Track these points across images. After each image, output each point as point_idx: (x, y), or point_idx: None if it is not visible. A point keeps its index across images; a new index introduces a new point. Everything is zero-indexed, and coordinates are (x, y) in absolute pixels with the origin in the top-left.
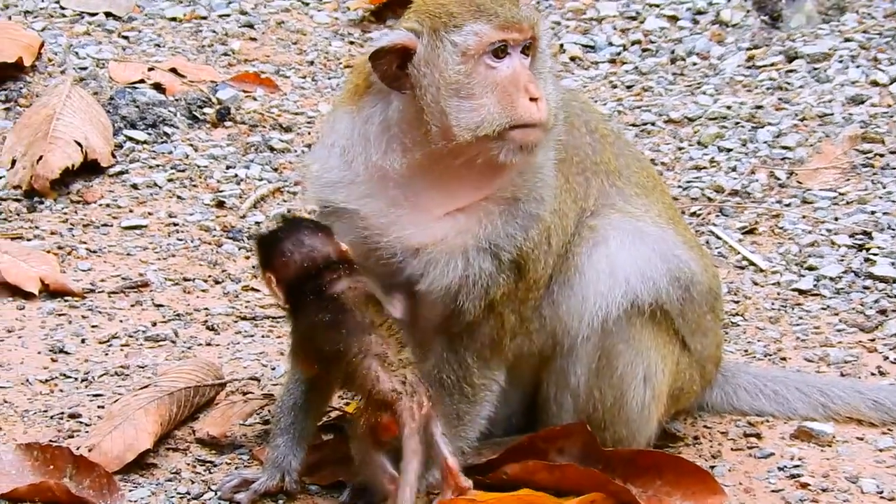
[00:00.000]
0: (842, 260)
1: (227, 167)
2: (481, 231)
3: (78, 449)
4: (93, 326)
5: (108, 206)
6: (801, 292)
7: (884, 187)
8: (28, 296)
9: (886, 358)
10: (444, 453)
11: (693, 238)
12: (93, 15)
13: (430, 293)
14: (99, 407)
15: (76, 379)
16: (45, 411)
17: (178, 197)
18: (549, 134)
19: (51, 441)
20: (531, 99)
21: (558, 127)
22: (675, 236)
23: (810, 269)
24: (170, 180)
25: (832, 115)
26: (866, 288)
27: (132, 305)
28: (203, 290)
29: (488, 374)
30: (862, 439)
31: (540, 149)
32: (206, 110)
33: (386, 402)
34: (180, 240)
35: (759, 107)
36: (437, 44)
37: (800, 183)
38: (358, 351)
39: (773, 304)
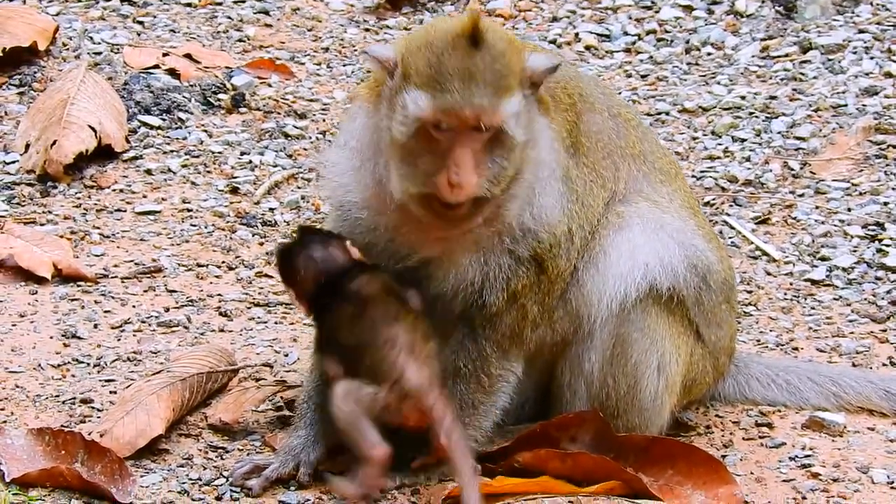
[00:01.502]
0: (854, 251)
1: (242, 153)
2: (485, 241)
3: (90, 434)
4: (105, 312)
5: (121, 191)
6: (814, 283)
7: None
8: (41, 280)
9: None
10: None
11: (711, 230)
12: (108, 0)
13: (454, 290)
14: (111, 392)
15: (88, 364)
16: (57, 396)
17: (192, 183)
18: (482, 203)
19: (62, 426)
20: (450, 183)
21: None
22: (694, 227)
23: (823, 259)
24: (184, 166)
25: (846, 106)
26: (878, 279)
27: (145, 291)
28: (216, 276)
29: (506, 364)
30: (873, 429)
31: (472, 217)
32: (220, 96)
33: (414, 392)
34: (194, 225)
35: (774, 97)
36: (396, 90)
37: (813, 173)
38: (385, 340)
39: (785, 294)
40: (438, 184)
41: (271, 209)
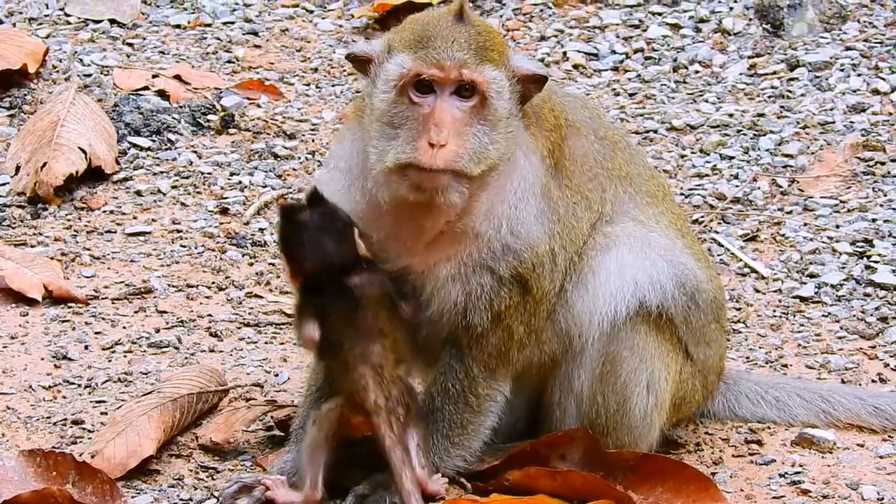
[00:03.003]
0: (843, 267)
1: (231, 174)
2: (465, 256)
3: (81, 455)
4: (96, 333)
5: (111, 212)
6: (803, 299)
7: (885, 195)
8: (31, 302)
9: (887, 365)
10: (416, 463)
11: (701, 250)
12: (97, 22)
13: (439, 310)
14: (102, 413)
15: (79, 385)
16: (49, 417)
17: (182, 204)
18: (460, 180)
19: (54, 447)
20: (430, 144)
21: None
22: (682, 246)
23: (812, 276)
24: (174, 187)
25: (833, 123)
26: (867, 295)
27: (136, 312)
28: (206, 297)
29: (494, 384)
30: (863, 446)
31: (449, 193)
32: (210, 117)
33: (365, 409)
34: (184, 246)
35: (761, 115)
36: (380, 66)
37: (801, 191)
38: (359, 353)
39: (774, 311)
40: (418, 146)
41: (261, 230)
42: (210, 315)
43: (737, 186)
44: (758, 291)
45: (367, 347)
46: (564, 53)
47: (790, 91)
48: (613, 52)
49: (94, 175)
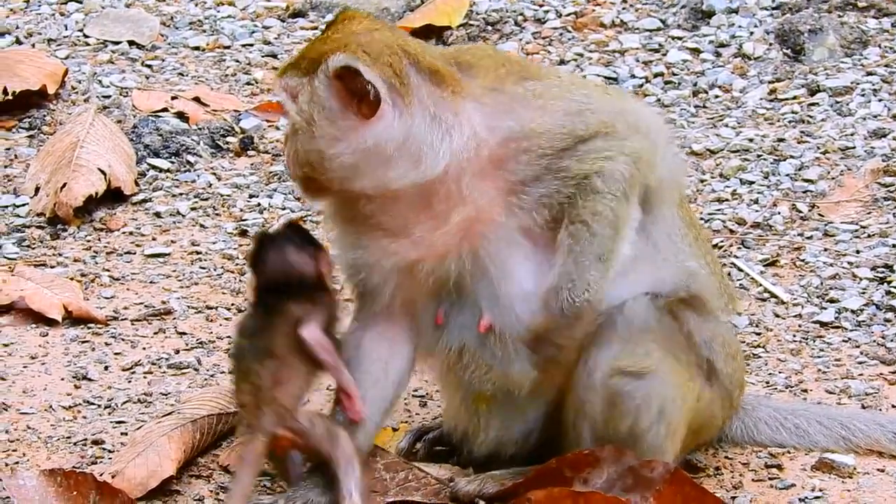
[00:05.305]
0: (863, 293)
1: (250, 196)
2: None
3: (101, 475)
4: (116, 353)
5: (131, 233)
6: (823, 325)
7: None
8: (51, 322)
9: None
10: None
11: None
12: (116, 43)
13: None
14: (122, 434)
15: (99, 406)
16: (69, 438)
17: (201, 225)
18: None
19: (74, 467)
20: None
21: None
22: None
23: (832, 301)
24: (193, 209)
25: (854, 148)
26: (888, 321)
27: (155, 333)
28: (226, 318)
29: None
30: (883, 471)
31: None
32: (229, 139)
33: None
34: (203, 268)
35: (782, 139)
36: None
37: (821, 216)
38: (282, 354)
39: (794, 336)
40: None
41: None
42: (229, 336)
43: (757, 211)
44: (777, 316)
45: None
46: (584, 77)
47: (811, 116)
48: (633, 76)
49: (114, 196)
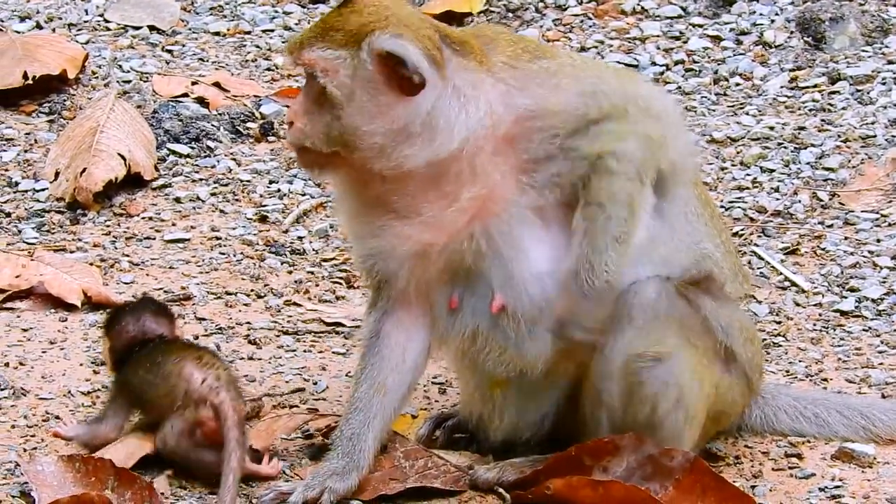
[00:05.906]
0: (884, 282)
1: (270, 182)
2: None
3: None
4: None
5: (150, 219)
6: (843, 313)
7: None
8: (71, 308)
9: None
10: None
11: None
12: (137, 28)
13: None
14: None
15: None
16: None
17: (221, 211)
18: (307, 154)
19: (92, 453)
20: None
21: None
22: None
23: (852, 290)
24: (213, 194)
25: (875, 136)
26: None
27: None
28: (245, 304)
29: None
30: None
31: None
32: (249, 125)
33: (203, 396)
34: (223, 254)
35: (802, 128)
36: None
37: (842, 204)
38: (174, 362)
39: (814, 324)
40: None
41: (300, 238)
42: (249, 322)
43: (777, 199)
44: (798, 305)
45: (179, 361)
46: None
47: (831, 104)
48: (654, 63)
49: (134, 181)
